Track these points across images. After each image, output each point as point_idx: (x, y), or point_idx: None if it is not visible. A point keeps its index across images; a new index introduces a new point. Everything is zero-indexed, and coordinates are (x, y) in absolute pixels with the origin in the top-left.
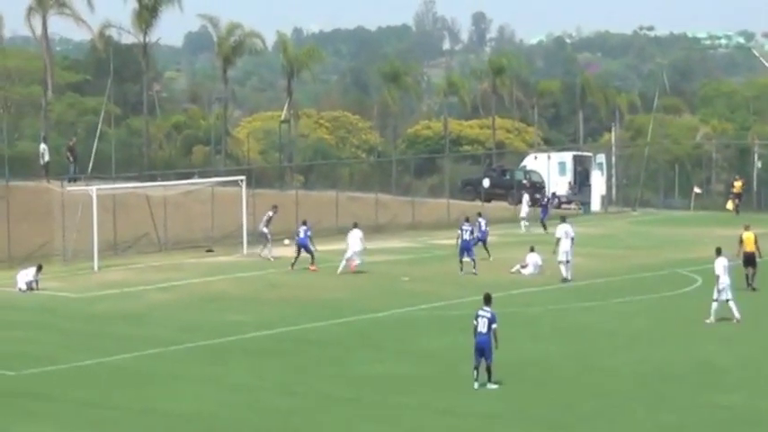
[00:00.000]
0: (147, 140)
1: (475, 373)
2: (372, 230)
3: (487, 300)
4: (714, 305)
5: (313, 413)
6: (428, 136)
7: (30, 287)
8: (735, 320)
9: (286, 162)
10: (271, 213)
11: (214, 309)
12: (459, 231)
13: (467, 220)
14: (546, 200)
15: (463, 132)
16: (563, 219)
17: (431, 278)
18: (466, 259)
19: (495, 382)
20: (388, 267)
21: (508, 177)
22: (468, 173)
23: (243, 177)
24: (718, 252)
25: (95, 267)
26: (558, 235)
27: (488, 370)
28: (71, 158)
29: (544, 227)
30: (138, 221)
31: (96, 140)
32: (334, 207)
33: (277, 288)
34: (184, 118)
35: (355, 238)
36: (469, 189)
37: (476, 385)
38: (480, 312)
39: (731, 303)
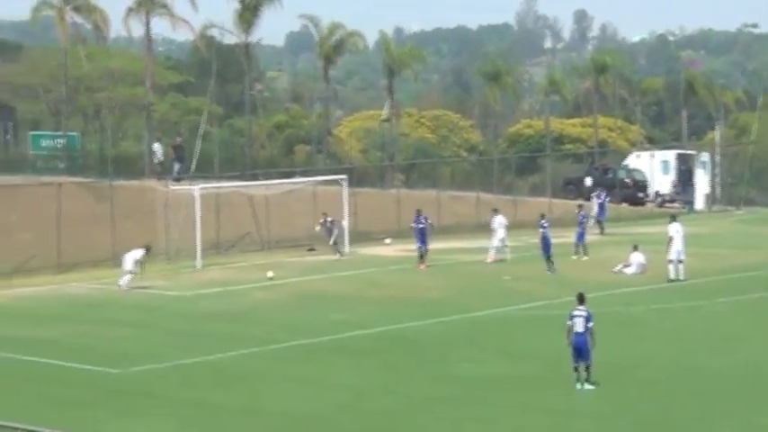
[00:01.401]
0: (249, 140)
1: (575, 373)
2: (473, 229)
3: (581, 299)
4: None
5: (415, 413)
6: (529, 135)
7: (132, 271)
8: None
9: (387, 161)
10: (329, 219)
11: (315, 307)
12: (541, 230)
13: (542, 216)
14: (602, 198)
15: (565, 131)
16: (673, 217)
17: (532, 277)
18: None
19: (593, 383)
20: (489, 266)
21: (611, 176)
22: (569, 171)
23: (344, 176)
24: None
25: (198, 266)
26: (670, 233)
27: (587, 369)
28: (175, 158)
29: (601, 228)
30: (240, 220)
31: (200, 140)
32: (435, 206)
33: (377, 287)
34: (286, 117)
35: (500, 225)
36: (571, 188)
37: (577, 385)
38: (575, 312)
39: None
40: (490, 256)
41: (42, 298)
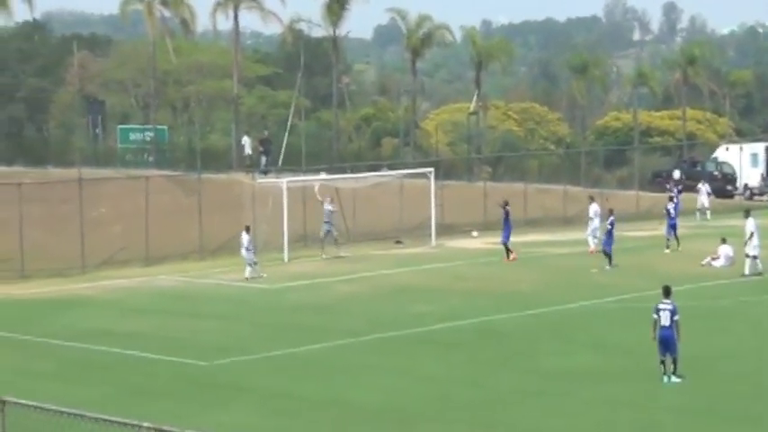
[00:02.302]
0: (336, 133)
1: (661, 366)
2: (561, 222)
3: (667, 292)
4: None
5: (502, 406)
6: (617, 127)
7: (252, 260)
8: None
9: (474, 154)
10: (329, 207)
11: (402, 300)
12: (609, 226)
13: (611, 212)
14: (677, 190)
15: (653, 123)
16: (747, 212)
17: (620, 270)
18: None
19: (679, 376)
20: (577, 259)
21: (699, 169)
22: (658, 164)
23: (431, 169)
24: None
25: (285, 259)
26: (750, 228)
27: (674, 363)
28: (263, 151)
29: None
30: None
31: (287, 133)
32: (522, 199)
33: (464, 280)
34: (373, 110)
35: (596, 214)
36: (660, 181)
37: (664, 378)
38: (660, 305)
39: None
40: (591, 247)
41: (131, 290)
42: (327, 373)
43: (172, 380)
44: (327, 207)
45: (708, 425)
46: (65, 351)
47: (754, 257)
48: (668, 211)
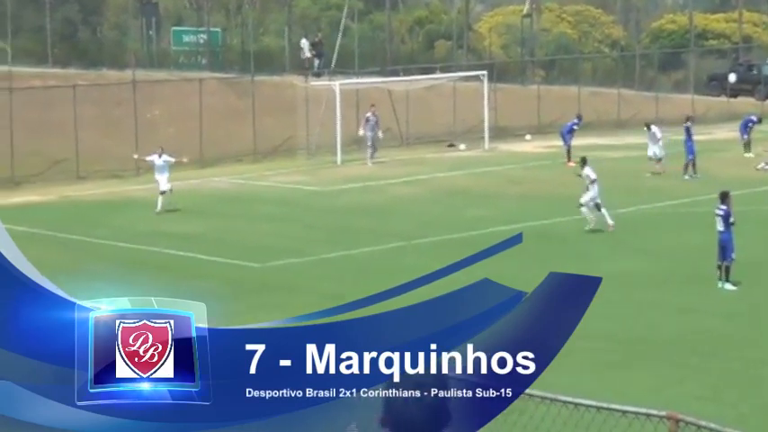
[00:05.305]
0: (389, 35)
1: (717, 271)
2: (614, 126)
3: (723, 197)
4: None
5: None
6: (672, 30)
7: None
8: None
9: (527, 57)
10: (368, 114)
11: (455, 203)
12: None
13: (688, 118)
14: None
15: (709, 26)
16: None
17: (674, 174)
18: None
19: (734, 283)
20: (630, 163)
21: (755, 72)
22: (713, 68)
23: (484, 72)
24: None
25: (338, 161)
26: None
27: (727, 269)
28: (315, 54)
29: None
30: (380, 116)
31: (340, 36)
32: (575, 102)
33: (518, 183)
34: (426, 13)
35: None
36: (715, 84)
37: (719, 284)
38: (716, 210)
39: None
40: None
41: (185, 192)
42: (380, 276)
43: (224, 281)
44: (369, 115)
45: (757, 331)
46: (118, 252)
47: None
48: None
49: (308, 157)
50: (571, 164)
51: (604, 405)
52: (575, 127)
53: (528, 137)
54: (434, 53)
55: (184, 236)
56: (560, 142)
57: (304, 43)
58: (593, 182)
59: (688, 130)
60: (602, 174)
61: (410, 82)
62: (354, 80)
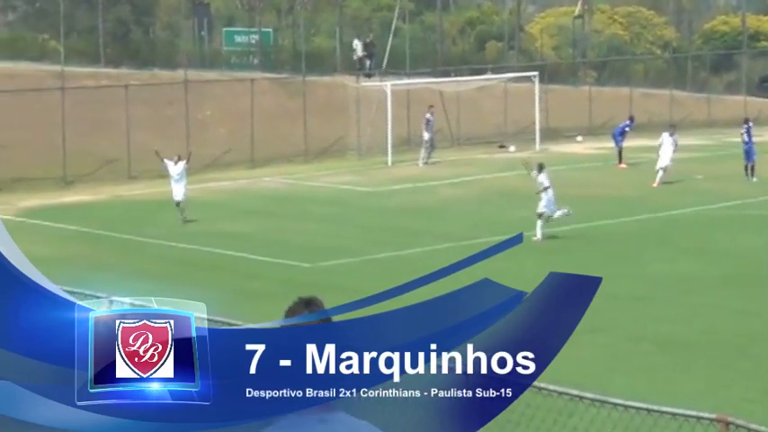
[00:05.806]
0: (440, 36)
1: None
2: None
3: None
4: None
5: (606, 311)
6: (725, 31)
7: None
8: None
9: (579, 58)
10: (428, 116)
11: (505, 204)
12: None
13: (746, 121)
14: None
15: (761, 27)
16: None
17: (726, 176)
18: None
19: None
20: (682, 165)
21: None
22: (765, 69)
23: (536, 73)
24: None
25: (389, 162)
26: None
27: None
28: (367, 54)
29: None
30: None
31: (391, 36)
32: (627, 104)
33: (568, 185)
34: (478, 13)
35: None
36: (767, 86)
37: None
38: None
39: None
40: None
41: (236, 192)
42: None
43: (275, 281)
44: (428, 116)
45: None
46: (169, 251)
47: None
48: None
49: (358, 157)
50: (622, 165)
51: (654, 408)
52: (627, 129)
53: (579, 138)
54: (485, 54)
55: (235, 235)
56: (611, 144)
57: (356, 44)
58: (545, 189)
59: (749, 132)
60: (653, 175)
61: (461, 83)
62: (405, 81)
